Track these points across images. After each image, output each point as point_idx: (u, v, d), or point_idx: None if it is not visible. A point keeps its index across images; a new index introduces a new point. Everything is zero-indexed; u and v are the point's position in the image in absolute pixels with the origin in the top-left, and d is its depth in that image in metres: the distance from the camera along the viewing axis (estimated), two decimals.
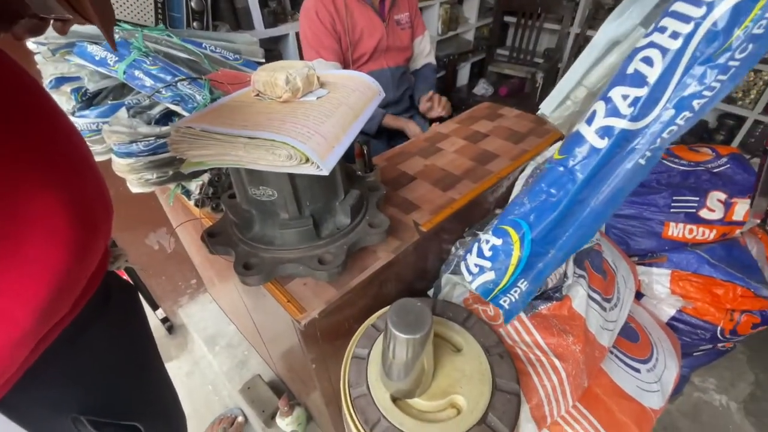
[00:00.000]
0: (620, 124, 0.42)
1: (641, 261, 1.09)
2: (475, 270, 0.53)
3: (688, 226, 1.04)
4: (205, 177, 0.75)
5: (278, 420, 1.14)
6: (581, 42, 2.45)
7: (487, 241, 0.51)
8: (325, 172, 0.44)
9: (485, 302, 0.75)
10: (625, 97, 0.42)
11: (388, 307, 0.56)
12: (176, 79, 0.76)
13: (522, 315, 0.76)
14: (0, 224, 0.29)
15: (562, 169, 0.46)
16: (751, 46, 0.37)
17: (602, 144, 0.43)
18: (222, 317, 1.59)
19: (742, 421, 1.27)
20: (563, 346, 0.74)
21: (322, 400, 0.83)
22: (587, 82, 0.60)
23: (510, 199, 0.98)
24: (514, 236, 0.48)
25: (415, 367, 0.54)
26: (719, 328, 1.02)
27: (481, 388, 0.59)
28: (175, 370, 1.53)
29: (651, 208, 1.05)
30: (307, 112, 0.50)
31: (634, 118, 0.41)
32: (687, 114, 0.40)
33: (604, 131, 0.43)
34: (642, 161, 0.43)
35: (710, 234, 1.03)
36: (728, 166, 1.01)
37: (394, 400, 0.59)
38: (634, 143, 0.42)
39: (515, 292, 0.52)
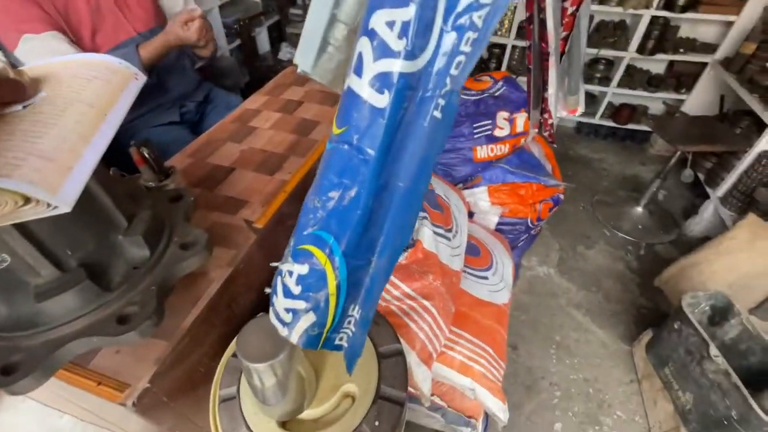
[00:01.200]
0: (396, 66, 0.30)
1: (465, 186, 1.24)
2: (288, 318, 0.37)
3: (489, 146, 1.22)
4: None
5: None
6: None
7: (290, 273, 0.36)
8: (66, 208, 0.30)
9: None
10: (390, 24, 0.29)
11: None
12: None
13: None
14: None
15: (346, 147, 0.33)
16: None
17: (383, 101, 0.31)
18: (46, 410, 1.19)
19: (559, 280, 1.67)
20: (427, 287, 0.79)
21: None
22: (343, 15, 0.40)
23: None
24: (321, 256, 0.35)
25: (291, 383, 0.47)
26: (528, 220, 1.27)
27: (368, 365, 0.57)
28: None
29: (460, 139, 1.19)
30: (9, 128, 0.33)
31: (411, 55, 0.30)
32: (471, 35, 0.30)
33: (381, 81, 0.30)
34: (437, 114, 0.32)
35: (505, 148, 1.23)
36: (504, 88, 1.20)
37: (283, 424, 0.52)
38: (422, 91, 0.31)
39: (349, 323, 0.40)
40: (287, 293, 0.37)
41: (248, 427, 0.50)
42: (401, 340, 0.64)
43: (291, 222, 0.80)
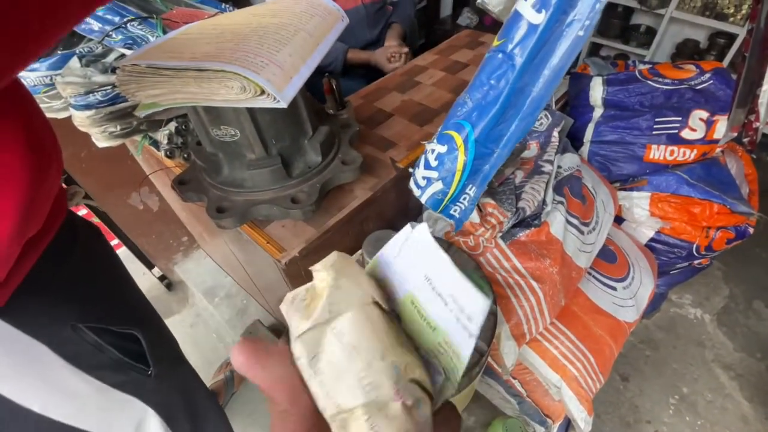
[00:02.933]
0: None
1: (623, 186, 1.11)
2: (422, 183, 0.50)
3: (670, 148, 1.04)
4: (172, 125, 0.72)
5: None
6: None
7: (432, 150, 0.48)
8: (284, 105, 0.42)
9: (466, 234, 0.77)
10: None
11: None
12: (125, 19, 0.71)
13: (501, 243, 0.78)
14: None
15: (500, 56, 0.41)
16: None
17: (539, 18, 0.37)
18: (218, 270, 1.62)
19: (714, 331, 1.37)
20: (541, 269, 0.77)
21: None
22: None
23: None
24: (458, 140, 0.45)
25: None
26: (695, 246, 1.06)
27: None
28: (179, 323, 1.59)
29: (634, 132, 1.04)
30: (261, 40, 0.47)
31: None
32: None
33: (541, 2, 0.37)
34: (581, 32, 0.38)
35: (690, 154, 1.03)
36: (711, 82, 0.99)
37: None
38: (573, 14, 0.37)
39: (464, 199, 0.50)
40: (426, 165, 0.49)
41: None
42: (498, 308, 0.67)
43: None
